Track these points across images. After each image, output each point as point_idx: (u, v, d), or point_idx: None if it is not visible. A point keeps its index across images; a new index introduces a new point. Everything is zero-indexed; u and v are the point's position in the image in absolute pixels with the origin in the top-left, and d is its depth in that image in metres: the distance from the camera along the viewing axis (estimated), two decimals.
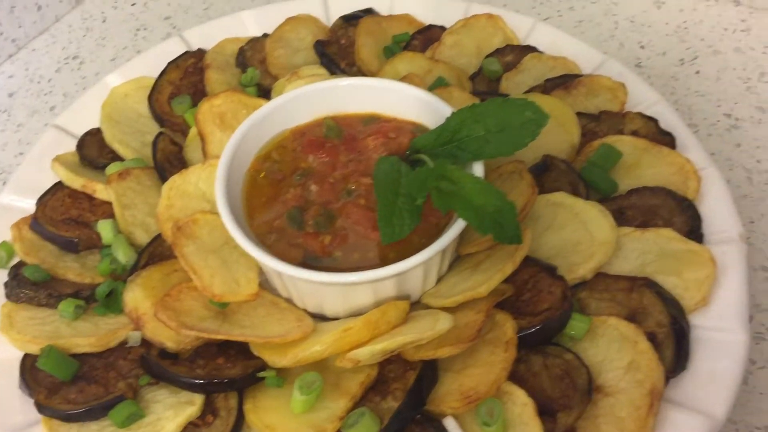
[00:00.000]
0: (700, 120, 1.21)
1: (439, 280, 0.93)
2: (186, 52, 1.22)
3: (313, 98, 1.00)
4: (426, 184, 0.83)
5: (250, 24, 1.29)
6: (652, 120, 1.07)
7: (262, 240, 0.89)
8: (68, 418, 0.82)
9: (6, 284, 0.94)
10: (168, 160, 1.06)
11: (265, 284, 0.94)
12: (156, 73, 1.19)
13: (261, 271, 0.93)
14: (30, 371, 0.86)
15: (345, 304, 0.88)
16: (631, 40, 1.36)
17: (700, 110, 1.23)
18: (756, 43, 1.33)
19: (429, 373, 0.84)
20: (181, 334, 0.85)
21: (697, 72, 1.29)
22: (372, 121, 1.00)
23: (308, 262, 0.87)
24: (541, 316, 0.87)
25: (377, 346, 0.80)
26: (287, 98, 1.00)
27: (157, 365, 0.84)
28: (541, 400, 0.82)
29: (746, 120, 1.20)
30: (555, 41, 1.22)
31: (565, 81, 1.14)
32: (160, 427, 0.81)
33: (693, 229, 0.96)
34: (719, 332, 0.87)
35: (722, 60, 1.31)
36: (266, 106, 0.98)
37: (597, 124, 1.09)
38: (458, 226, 0.85)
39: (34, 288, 0.92)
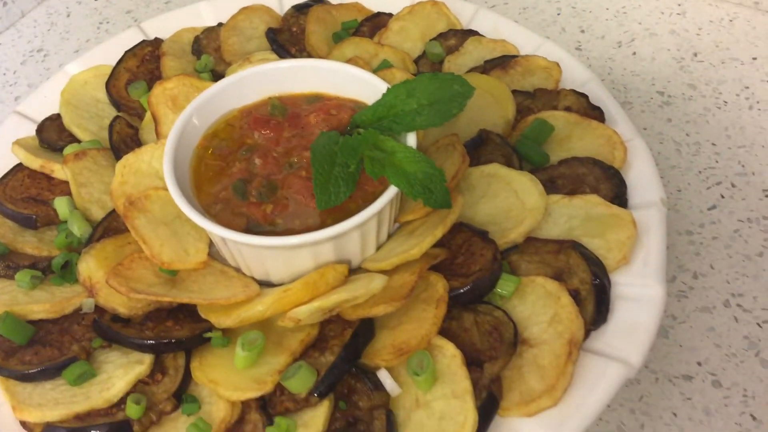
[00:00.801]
0: (635, 98, 1.27)
1: (379, 248, 0.98)
2: (143, 41, 1.26)
3: (260, 79, 1.05)
4: (358, 151, 0.88)
5: (207, 15, 1.33)
6: (583, 96, 1.12)
7: (207, 210, 0.93)
8: (24, 378, 0.86)
9: None
10: (124, 141, 1.10)
11: (215, 255, 0.99)
12: (114, 62, 1.23)
13: (211, 243, 0.98)
14: None
15: (288, 270, 0.93)
16: (572, 24, 1.42)
17: (635, 89, 1.28)
18: (690, 26, 1.39)
19: (365, 330, 0.88)
20: (131, 298, 0.89)
21: (634, 53, 1.35)
22: (315, 100, 1.05)
23: (251, 230, 0.91)
24: (473, 277, 0.91)
25: (314, 304, 0.85)
26: (234, 79, 1.04)
27: (109, 328, 0.88)
28: (470, 353, 0.86)
29: (678, 97, 1.26)
30: (496, 26, 1.27)
31: (502, 61, 1.19)
32: (110, 385, 0.85)
33: (618, 195, 1.01)
34: (638, 288, 0.91)
35: (658, 42, 1.36)
36: (214, 87, 1.03)
37: (532, 101, 1.14)
38: (390, 191, 0.89)
39: None
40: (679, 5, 1.43)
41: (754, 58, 1.30)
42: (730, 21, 1.38)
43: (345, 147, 0.87)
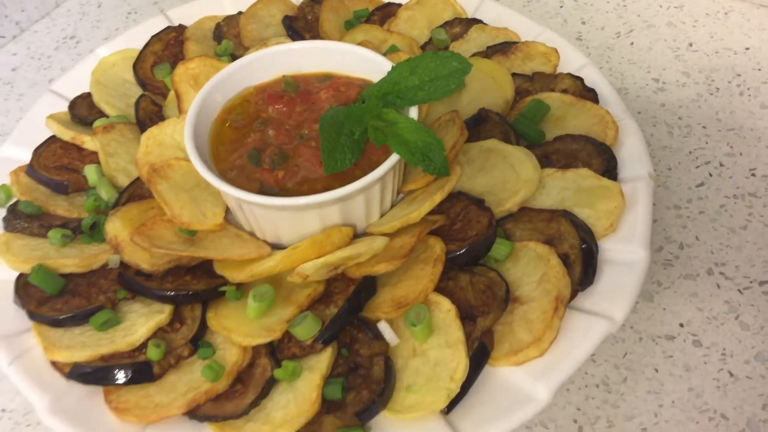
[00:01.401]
0: (631, 84, 1.32)
1: (383, 216, 1.04)
2: (168, 27, 1.34)
3: (274, 59, 1.12)
4: (363, 120, 0.94)
5: (227, 4, 1.40)
6: (579, 79, 1.18)
7: (224, 176, 0.99)
8: (54, 323, 0.93)
9: (4, 218, 1.05)
10: (149, 117, 1.18)
11: (230, 220, 1.06)
12: (141, 46, 1.31)
13: (228, 211, 1.05)
14: (23, 287, 0.97)
15: (297, 232, 0.99)
16: (574, 17, 1.48)
17: (631, 76, 1.34)
18: (687, 18, 1.44)
19: (367, 286, 0.94)
20: (153, 255, 0.96)
21: (632, 43, 1.40)
22: (326, 78, 1.11)
23: (264, 193, 0.98)
24: (469, 241, 0.97)
25: (320, 260, 0.91)
26: (251, 58, 1.11)
27: (133, 280, 0.95)
28: (465, 309, 0.92)
29: (672, 83, 1.31)
30: (500, 16, 1.33)
31: (504, 47, 1.25)
32: (133, 331, 0.92)
33: (608, 169, 1.06)
34: (624, 253, 0.97)
35: (655, 33, 1.42)
36: (232, 65, 1.10)
37: (531, 83, 1.20)
38: (393, 159, 0.95)
39: (28, 220, 1.04)
40: None
41: (747, 48, 1.35)
42: (726, 14, 1.44)
43: (350, 115, 0.94)
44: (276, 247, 1.02)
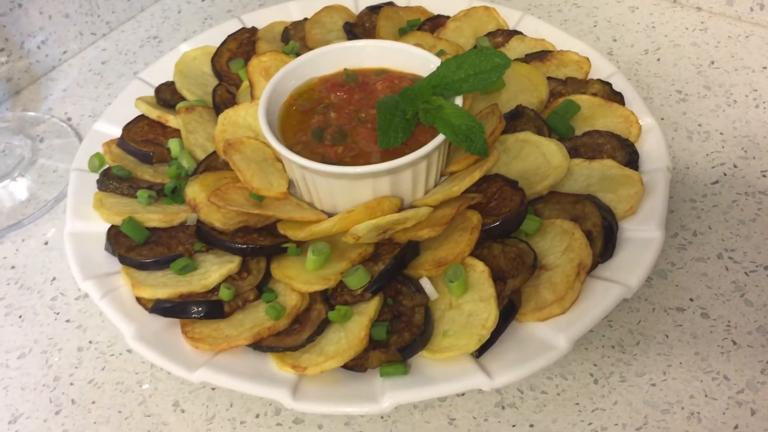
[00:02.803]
0: (656, 94, 1.42)
1: (427, 193, 1.15)
2: (242, 28, 1.48)
3: (337, 54, 1.24)
4: (415, 102, 1.06)
5: (295, 11, 1.54)
6: (607, 84, 1.28)
7: (290, 149, 1.11)
8: (140, 266, 1.05)
9: (98, 180, 1.18)
10: (223, 102, 1.31)
11: (292, 193, 1.17)
12: (218, 44, 1.45)
13: (290, 184, 1.17)
14: (114, 236, 1.09)
15: (352, 200, 1.09)
16: (606, 35, 1.58)
17: (656, 87, 1.43)
18: (710, 39, 1.54)
19: (412, 248, 1.04)
20: (225, 215, 1.08)
21: (658, 59, 1.50)
22: (382, 73, 1.23)
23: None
24: (503, 215, 1.07)
25: (372, 221, 1.02)
26: (316, 53, 1.23)
27: (210, 233, 1.06)
28: (496, 272, 1.01)
29: (693, 95, 1.41)
30: (538, 29, 1.44)
31: (541, 55, 1.36)
32: (207, 276, 1.03)
33: (630, 161, 1.15)
34: (641, 232, 1.05)
35: (680, 51, 1.51)
36: (300, 58, 1.22)
37: (564, 87, 1.31)
38: (439, 138, 1.06)
39: (119, 182, 1.17)
40: (702, 23, 1.58)
41: (764, 68, 1.44)
42: (746, 37, 1.53)
43: (405, 96, 1.06)
44: (331, 215, 1.13)
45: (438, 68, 1.12)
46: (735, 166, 1.25)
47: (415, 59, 1.21)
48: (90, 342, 1.08)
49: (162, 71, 1.41)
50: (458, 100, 1.11)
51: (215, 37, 1.47)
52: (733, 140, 1.30)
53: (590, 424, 0.94)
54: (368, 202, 1.06)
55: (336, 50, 1.24)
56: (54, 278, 1.17)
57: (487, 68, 1.10)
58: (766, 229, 1.14)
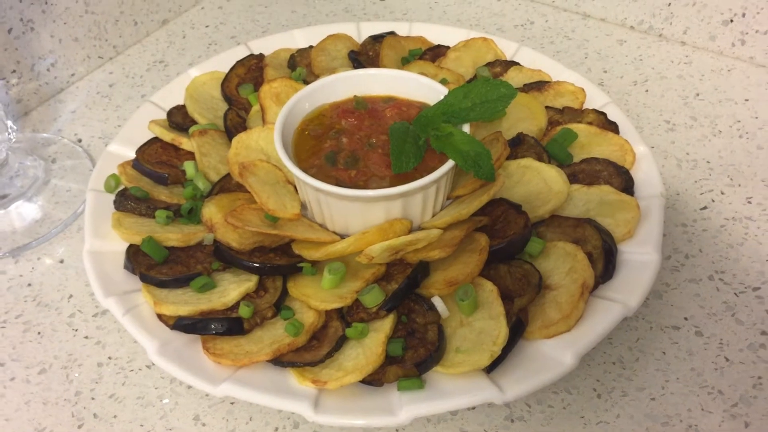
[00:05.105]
0: (645, 124, 1.49)
1: (434, 215, 1.20)
2: (250, 55, 1.53)
3: (347, 81, 1.29)
4: (427, 128, 1.11)
5: (300, 39, 1.59)
6: (602, 113, 1.35)
7: (305, 173, 1.16)
8: (161, 284, 1.08)
9: (115, 200, 1.21)
10: (234, 126, 1.35)
11: (304, 215, 1.22)
12: (227, 70, 1.49)
13: (303, 207, 1.21)
14: (133, 255, 1.12)
15: (365, 222, 1.14)
16: (597, 66, 1.66)
17: (646, 117, 1.51)
18: (695, 72, 1.62)
19: (423, 268, 1.09)
20: (242, 235, 1.12)
21: (647, 90, 1.58)
22: (390, 100, 1.28)
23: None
24: (509, 238, 1.13)
25: (386, 243, 1.06)
26: (328, 80, 1.28)
27: (228, 252, 1.10)
28: (504, 292, 1.06)
29: (681, 125, 1.48)
30: (534, 60, 1.51)
31: (539, 85, 1.42)
32: (226, 294, 1.06)
33: (626, 188, 1.21)
34: (639, 255, 1.11)
35: (667, 83, 1.59)
36: (312, 84, 1.27)
37: (561, 116, 1.37)
38: (448, 164, 1.11)
39: (136, 202, 1.20)
40: (687, 56, 1.66)
41: (746, 100, 1.53)
42: (729, 71, 1.61)
43: (418, 123, 1.11)
44: (343, 236, 1.17)
45: (446, 97, 1.18)
46: (722, 193, 1.32)
47: (421, 88, 1.27)
48: (109, 358, 1.10)
49: (171, 95, 1.44)
50: (466, 128, 1.16)
51: (223, 62, 1.51)
52: (720, 168, 1.37)
53: None
54: (381, 224, 1.10)
55: (346, 78, 1.29)
56: (71, 295, 1.19)
57: (493, 98, 1.16)
58: (754, 252, 1.21)
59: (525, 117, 1.34)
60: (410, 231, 1.15)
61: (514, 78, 1.46)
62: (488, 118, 1.16)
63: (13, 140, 1.31)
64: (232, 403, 1.04)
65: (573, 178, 1.24)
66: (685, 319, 1.12)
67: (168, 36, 1.80)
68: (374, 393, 0.97)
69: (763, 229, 1.25)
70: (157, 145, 1.32)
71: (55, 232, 1.29)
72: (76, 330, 1.14)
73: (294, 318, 1.04)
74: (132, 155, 1.32)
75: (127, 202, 1.20)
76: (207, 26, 1.85)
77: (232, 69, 1.48)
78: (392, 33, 1.59)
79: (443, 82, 1.40)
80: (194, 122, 1.38)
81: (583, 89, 1.40)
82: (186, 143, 1.30)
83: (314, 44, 1.56)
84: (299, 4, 1.93)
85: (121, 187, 1.26)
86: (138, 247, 1.13)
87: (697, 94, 1.55)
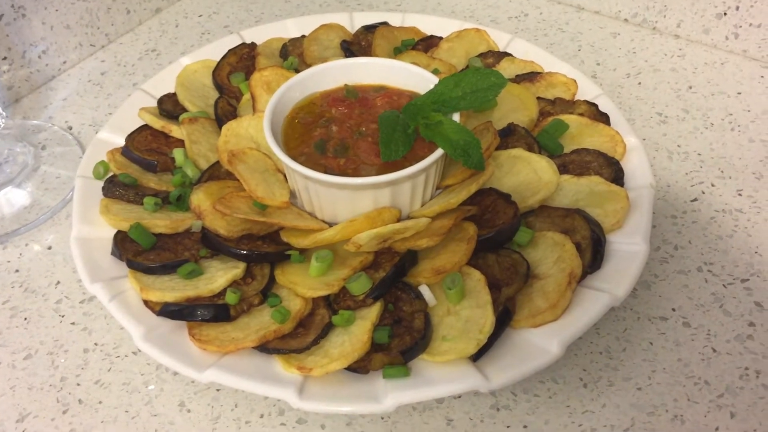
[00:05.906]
0: (638, 116, 1.49)
1: (423, 204, 1.20)
2: (242, 43, 1.52)
3: (338, 70, 1.28)
4: (417, 116, 1.10)
5: (292, 28, 1.59)
6: (593, 105, 1.35)
7: (294, 160, 1.15)
8: (148, 271, 1.08)
9: (103, 187, 1.21)
10: (225, 115, 1.34)
11: (293, 202, 1.21)
12: (219, 58, 1.49)
13: (292, 195, 1.20)
14: (120, 242, 1.11)
15: (353, 210, 1.13)
16: (590, 59, 1.65)
17: (638, 110, 1.50)
18: (688, 65, 1.61)
19: (411, 257, 1.09)
20: (229, 222, 1.11)
21: (639, 83, 1.57)
22: (381, 89, 1.28)
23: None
24: (497, 227, 1.12)
25: (373, 231, 1.06)
26: (318, 69, 1.27)
27: (216, 239, 1.09)
28: (492, 281, 1.06)
29: (673, 117, 1.48)
30: (527, 51, 1.50)
31: (530, 76, 1.42)
32: (213, 281, 1.06)
33: (616, 178, 1.21)
34: (627, 245, 1.10)
35: (660, 76, 1.59)
36: (302, 73, 1.26)
37: (552, 107, 1.37)
38: (437, 153, 1.11)
39: (124, 189, 1.19)
40: (680, 49, 1.66)
41: (739, 93, 1.52)
42: (722, 64, 1.61)
43: (408, 111, 1.11)
44: (331, 224, 1.17)
45: (436, 86, 1.17)
46: (713, 185, 1.32)
47: (412, 77, 1.26)
48: (95, 344, 1.10)
49: (162, 83, 1.44)
50: (456, 117, 1.16)
51: (215, 51, 1.51)
52: (711, 161, 1.37)
53: (580, 425, 0.98)
54: (369, 212, 1.10)
55: (337, 66, 1.28)
56: (58, 282, 1.19)
57: (483, 87, 1.15)
58: (743, 244, 1.21)
59: (516, 107, 1.34)
60: (399, 220, 1.15)
61: (506, 69, 1.45)
62: (478, 108, 1.16)
63: (2, 126, 1.30)
64: (217, 390, 1.03)
65: (563, 169, 1.24)
66: (673, 310, 1.12)
67: (161, 25, 1.80)
68: (359, 380, 0.96)
69: (753, 221, 1.24)
70: (147, 132, 1.32)
71: (44, 219, 1.29)
72: (63, 316, 1.14)
73: (281, 305, 1.04)
74: (122, 143, 1.31)
75: (116, 188, 1.19)
76: (200, 15, 1.84)
77: (223, 57, 1.47)
78: (385, 23, 1.58)
79: (435, 72, 1.39)
80: (185, 110, 1.37)
81: (574, 80, 1.40)
82: (176, 131, 1.30)
83: (307, 34, 1.55)
84: None
85: (111, 174, 1.25)
86: (125, 234, 1.12)
87: (690, 87, 1.54)
